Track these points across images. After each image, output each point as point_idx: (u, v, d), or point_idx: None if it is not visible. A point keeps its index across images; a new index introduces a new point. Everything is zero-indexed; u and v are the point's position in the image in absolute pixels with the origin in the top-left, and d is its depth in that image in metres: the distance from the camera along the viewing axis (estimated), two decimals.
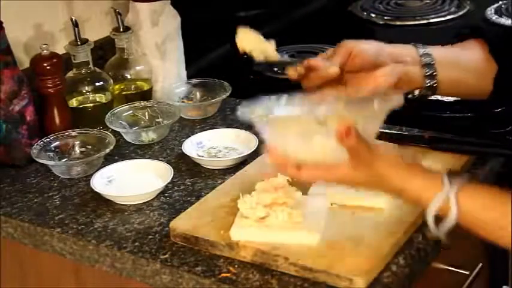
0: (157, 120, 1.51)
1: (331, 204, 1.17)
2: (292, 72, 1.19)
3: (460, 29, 1.29)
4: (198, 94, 1.61)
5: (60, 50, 1.53)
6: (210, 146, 1.42)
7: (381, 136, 1.34)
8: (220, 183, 1.29)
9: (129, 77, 1.58)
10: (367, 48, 1.19)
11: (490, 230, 0.97)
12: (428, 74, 1.21)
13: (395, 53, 1.20)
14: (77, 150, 1.43)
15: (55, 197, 1.31)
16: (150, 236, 1.18)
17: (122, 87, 1.59)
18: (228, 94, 1.56)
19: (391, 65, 1.18)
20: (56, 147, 1.41)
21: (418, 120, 1.50)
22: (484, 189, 1.00)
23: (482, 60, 1.23)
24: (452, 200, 0.97)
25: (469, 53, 1.24)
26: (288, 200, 1.10)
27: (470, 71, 1.23)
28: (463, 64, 1.23)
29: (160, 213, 1.24)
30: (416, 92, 1.23)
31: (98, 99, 1.53)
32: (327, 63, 1.18)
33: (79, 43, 1.50)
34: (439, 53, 1.22)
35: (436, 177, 1.00)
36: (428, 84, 1.22)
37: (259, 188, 1.14)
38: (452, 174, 1.00)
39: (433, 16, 2.08)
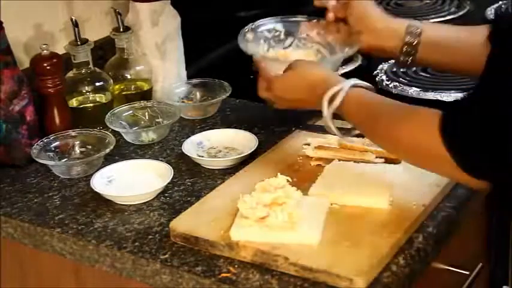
0: (157, 120, 1.51)
1: (331, 204, 1.17)
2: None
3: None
4: (198, 94, 1.61)
5: (60, 50, 1.53)
6: (210, 146, 1.42)
7: None
8: (220, 183, 1.29)
9: (129, 77, 1.59)
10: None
11: (367, 125, 1.12)
12: (405, 51, 1.31)
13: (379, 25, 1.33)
14: (77, 150, 1.43)
15: (55, 197, 1.31)
16: (150, 236, 1.18)
17: (122, 87, 1.59)
18: (228, 94, 1.56)
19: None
20: (56, 147, 1.41)
21: None
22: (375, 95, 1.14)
23: (481, 44, 1.22)
24: (344, 91, 1.13)
25: (471, 36, 1.26)
26: (288, 200, 1.10)
27: (461, 54, 1.26)
28: (456, 47, 1.28)
29: (160, 213, 1.24)
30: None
31: (98, 99, 1.53)
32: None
33: (79, 43, 1.50)
34: (431, 33, 1.30)
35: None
36: (403, 59, 1.32)
37: (259, 187, 1.14)
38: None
39: (433, 16, 2.08)
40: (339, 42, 1.41)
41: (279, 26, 1.49)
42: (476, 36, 1.24)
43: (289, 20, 1.51)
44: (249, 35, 1.45)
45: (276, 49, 1.46)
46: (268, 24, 1.49)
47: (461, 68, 1.29)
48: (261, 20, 1.49)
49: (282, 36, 1.48)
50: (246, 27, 1.46)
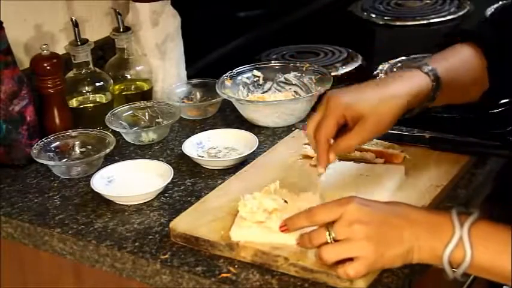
0: (157, 120, 1.51)
1: None
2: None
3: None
4: (198, 94, 1.61)
5: (60, 50, 1.53)
6: (210, 146, 1.42)
7: (381, 136, 1.34)
8: (220, 183, 1.29)
9: (129, 77, 1.58)
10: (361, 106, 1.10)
11: (504, 276, 0.95)
12: (435, 90, 1.15)
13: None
14: (77, 150, 1.43)
15: (55, 197, 1.31)
16: (150, 236, 1.18)
17: (122, 87, 1.59)
18: None
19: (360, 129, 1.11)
20: (56, 147, 1.41)
21: (418, 120, 1.50)
22: (495, 229, 0.97)
23: (475, 61, 1.21)
24: (466, 242, 0.95)
25: (463, 55, 1.21)
26: (290, 212, 1.08)
27: (467, 75, 1.20)
28: (461, 70, 1.20)
29: (160, 213, 1.24)
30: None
31: (98, 100, 1.53)
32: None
33: (79, 43, 1.50)
34: (440, 66, 1.16)
35: (443, 219, 0.98)
36: (430, 100, 1.16)
37: (263, 191, 1.14)
38: (460, 212, 0.98)
39: (433, 16, 2.08)
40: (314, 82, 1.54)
41: (258, 72, 1.59)
42: (465, 55, 1.21)
43: (266, 66, 1.61)
44: (228, 82, 1.54)
45: (255, 93, 1.57)
46: (247, 72, 1.59)
47: (465, 97, 1.24)
48: (239, 68, 1.58)
49: (261, 81, 1.58)
50: (224, 75, 1.55)
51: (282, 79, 1.59)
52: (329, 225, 0.99)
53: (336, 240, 0.99)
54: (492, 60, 1.21)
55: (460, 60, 1.20)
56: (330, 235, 0.99)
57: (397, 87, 1.11)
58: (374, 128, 1.10)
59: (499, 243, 0.95)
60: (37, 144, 1.39)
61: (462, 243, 0.95)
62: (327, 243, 1.00)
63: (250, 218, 1.10)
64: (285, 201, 1.13)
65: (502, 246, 0.95)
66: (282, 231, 1.05)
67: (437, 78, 1.14)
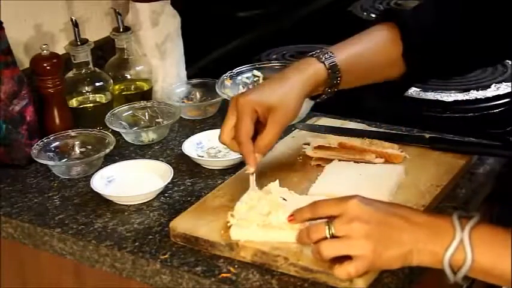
0: (157, 120, 1.51)
1: None
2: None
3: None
4: (198, 94, 1.61)
5: (60, 50, 1.53)
6: (209, 146, 1.42)
7: (381, 136, 1.35)
8: (220, 183, 1.29)
9: (129, 77, 1.58)
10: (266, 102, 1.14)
11: (505, 279, 0.95)
12: (332, 77, 1.18)
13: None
14: (77, 150, 1.43)
15: (55, 197, 1.31)
16: (150, 236, 1.18)
17: (122, 87, 1.59)
18: None
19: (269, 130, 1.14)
20: (56, 147, 1.41)
21: (418, 120, 1.50)
22: (496, 232, 0.97)
23: (389, 43, 1.22)
24: (467, 245, 0.95)
25: (374, 38, 1.23)
26: (289, 211, 1.09)
27: (375, 59, 1.22)
28: (367, 54, 1.21)
29: (160, 213, 1.24)
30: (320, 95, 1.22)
31: (98, 100, 1.53)
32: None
33: (79, 43, 1.50)
34: (343, 52, 1.19)
35: (443, 222, 0.98)
36: (332, 86, 1.20)
37: (262, 192, 1.14)
38: (461, 216, 0.98)
39: None
40: None
41: (257, 72, 1.58)
42: (379, 35, 1.23)
43: (266, 66, 1.60)
44: (228, 82, 1.54)
45: None
46: (247, 72, 1.58)
47: (379, 71, 1.25)
48: (238, 68, 1.57)
49: (261, 81, 1.57)
50: (224, 75, 1.54)
51: None
52: (329, 221, 0.99)
53: (334, 237, 0.99)
54: (408, 44, 1.21)
55: (371, 43, 1.22)
56: (329, 230, 0.99)
57: (295, 78, 1.16)
58: (284, 118, 1.14)
59: (500, 246, 0.95)
60: (37, 144, 1.39)
61: (463, 247, 0.95)
62: (325, 239, 1.00)
63: (247, 222, 1.10)
64: (284, 199, 1.13)
65: (502, 249, 0.95)
66: (290, 221, 1.06)
67: (333, 65, 1.17)
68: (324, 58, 1.17)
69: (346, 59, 1.19)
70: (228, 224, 1.11)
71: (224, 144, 1.17)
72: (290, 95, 1.15)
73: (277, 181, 1.17)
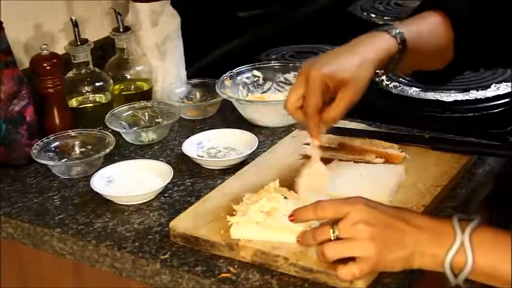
0: (157, 120, 1.51)
1: None
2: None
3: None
4: (198, 94, 1.61)
5: (60, 50, 1.53)
6: (209, 146, 1.42)
7: (381, 136, 1.35)
8: (220, 183, 1.29)
9: (129, 77, 1.58)
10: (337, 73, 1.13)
11: (506, 281, 0.95)
12: (401, 52, 1.17)
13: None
14: (77, 150, 1.43)
15: (55, 197, 1.31)
16: (150, 236, 1.18)
17: (121, 87, 1.59)
18: None
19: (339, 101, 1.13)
20: (56, 147, 1.41)
21: (418, 120, 1.51)
22: (496, 235, 0.97)
23: (441, 30, 1.21)
24: (468, 248, 0.95)
25: (429, 23, 1.21)
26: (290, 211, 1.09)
27: (431, 43, 1.21)
28: (425, 37, 1.20)
29: (160, 213, 1.24)
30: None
31: (97, 100, 1.53)
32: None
33: (79, 43, 1.50)
34: (407, 30, 1.18)
35: (444, 225, 0.98)
36: (397, 62, 1.18)
37: (263, 191, 1.14)
38: (462, 219, 0.98)
39: None
40: None
41: (257, 72, 1.59)
42: (432, 22, 1.21)
43: (266, 66, 1.61)
44: (228, 82, 1.54)
45: (255, 93, 1.58)
46: (247, 72, 1.59)
47: (429, 64, 1.25)
48: (238, 68, 1.58)
49: (261, 81, 1.59)
50: (224, 75, 1.55)
51: (282, 79, 1.59)
52: (333, 223, 1.00)
53: (338, 239, 0.99)
54: (459, 33, 1.21)
55: (427, 27, 1.21)
56: (333, 232, 0.99)
57: (367, 51, 1.14)
58: (355, 93, 1.12)
59: (500, 248, 0.96)
60: (37, 144, 1.39)
61: (463, 249, 0.95)
62: (329, 240, 1.00)
63: (248, 219, 1.10)
64: (285, 198, 1.13)
65: (503, 251, 0.95)
66: (291, 220, 1.05)
67: (404, 41, 1.16)
68: (394, 32, 1.16)
69: (413, 37, 1.17)
70: (229, 223, 1.11)
71: (288, 111, 1.15)
72: (363, 69, 1.12)
73: (277, 180, 1.17)
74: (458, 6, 1.21)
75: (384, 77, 1.69)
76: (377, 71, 1.17)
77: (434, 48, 1.21)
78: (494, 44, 1.21)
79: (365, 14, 2.16)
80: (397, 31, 1.16)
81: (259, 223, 1.09)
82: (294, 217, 1.05)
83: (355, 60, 1.12)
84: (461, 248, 0.95)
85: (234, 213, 1.13)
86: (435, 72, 1.25)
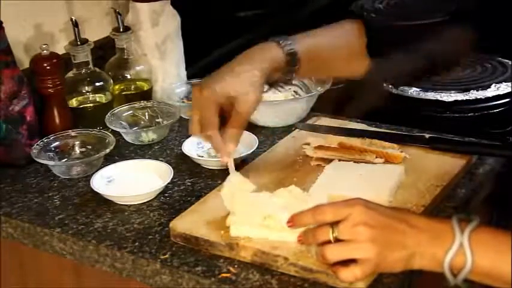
0: (157, 120, 1.51)
1: None
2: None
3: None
4: None
5: (60, 50, 1.53)
6: (209, 146, 1.42)
7: (381, 136, 1.35)
8: (220, 183, 1.28)
9: (129, 77, 1.58)
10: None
11: (505, 281, 0.95)
12: (290, 64, 1.19)
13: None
14: (77, 150, 1.43)
15: (55, 197, 1.31)
16: (150, 236, 1.18)
17: (122, 87, 1.59)
18: None
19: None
20: (56, 147, 1.41)
21: (418, 120, 1.51)
22: (495, 235, 0.98)
23: (353, 38, 1.22)
24: (467, 248, 0.95)
25: (341, 33, 1.23)
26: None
27: (337, 52, 1.23)
28: (328, 47, 1.22)
29: (160, 213, 1.24)
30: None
31: (98, 99, 1.53)
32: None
33: (79, 43, 1.50)
34: (305, 40, 1.20)
35: (444, 226, 0.98)
36: (288, 72, 1.21)
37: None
38: (461, 219, 0.98)
39: (432, 16, 2.08)
40: (313, 82, 1.51)
41: None
42: (345, 30, 1.24)
43: None
44: None
45: None
46: None
47: (341, 72, 1.27)
48: None
49: None
50: None
51: None
52: (333, 224, 1.00)
53: (338, 240, 0.99)
54: (371, 41, 1.22)
55: (334, 35, 1.23)
56: (333, 233, 0.99)
57: (254, 65, 1.17)
58: (248, 107, 1.16)
59: (499, 248, 0.96)
60: (37, 144, 1.39)
61: (463, 250, 0.95)
62: (329, 242, 1.00)
63: (247, 219, 1.10)
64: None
65: (502, 252, 0.95)
66: (289, 226, 1.05)
67: (292, 52, 1.18)
68: (283, 44, 1.18)
69: (307, 48, 1.19)
70: (227, 224, 1.11)
71: (196, 136, 1.19)
72: (251, 82, 1.16)
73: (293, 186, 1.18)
74: (376, 20, 1.23)
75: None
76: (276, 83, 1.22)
77: (343, 56, 1.23)
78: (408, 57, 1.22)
79: (365, 14, 2.16)
80: (288, 42, 1.19)
81: (259, 223, 1.09)
82: (292, 223, 1.05)
83: (243, 76, 1.16)
84: (460, 248, 0.95)
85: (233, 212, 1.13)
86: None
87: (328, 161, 1.30)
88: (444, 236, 0.97)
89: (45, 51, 1.43)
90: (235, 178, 1.16)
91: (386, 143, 1.32)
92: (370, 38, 1.21)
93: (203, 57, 1.85)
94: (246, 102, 1.15)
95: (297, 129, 1.43)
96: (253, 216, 1.10)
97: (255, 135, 1.41)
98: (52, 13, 1.61)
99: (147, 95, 1.59)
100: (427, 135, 1.36)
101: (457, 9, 1.21)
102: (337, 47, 1.22)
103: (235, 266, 1.09)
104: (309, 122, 1.45)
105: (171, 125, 1.50)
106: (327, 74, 1.27)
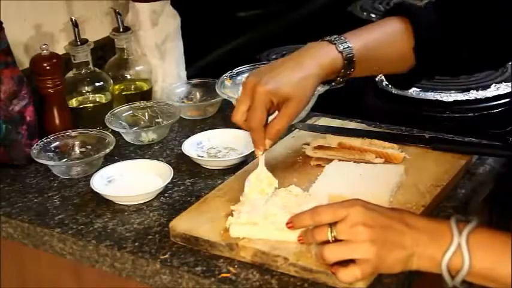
0: (157, 120, 1.51)
1: None
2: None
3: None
4: (198, 94, 1.61)
5: (60, 50, 1.53)
6: (209, 146, 1.42)
7: (381, 136, 1.35)
8: (220, 183, 1.29)
9: (129, 77, 1.58)
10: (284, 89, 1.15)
11: (503, 283, 0.95)
12: (347, 67, 1.18)
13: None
14: (77, 150, 1.43)
15: (55, 197, 1.31)
16: (150, 236, 1.18)
17: (121, 87, 1.59)
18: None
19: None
20: (55, 147, 1.41)
21: (418, 120, 1.51)
22: (494, 236, 0.97)
23: (400, 36, 1.22)
24: (464, 249, 0.95)
25: (387, 31, 1.23)
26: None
27: (388, 51, 1.22)
28: (380, 46, 1.22)
29: (160, 213, 1.24)
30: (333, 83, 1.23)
31: (97, 100, 1.53)
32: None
33: (79, 43, 1.50)
34: (358, 43, 1.19)
35: (442, 227, 0.98)
36: (345, 76, 1.20)
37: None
38: (459, 220, 0.98)
39: None
40: None
41: None
42: (392, 28, 1.23)
43: None
44: (228, 82, 1.54)
45: None
46: (247, 72, 1.57)
47: (390, 63, 1.25)
48: (238, 68, 1.57)
49: None
50: (224, 75, 1.55)
51: None
52: (332, 224, 0.99)
53: (336, 240, 0.99)
54: (419, 41, 1.21)
55: (384, 34, 1.22)
56: (331, 233, 0.99)
57: (311, 66, 1.16)
58: (298, 108, 1.15)
59: (498, 250, 0.96)
60: (37, 144, 1.39)
61: (460, 251, 0.95)
62: (328, 242, 1.00)
63: (247, 219, 1.10)
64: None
65: (500, 253, 0.95)
66: (289, 227, 1.05)
67: (350, 57, 1.17)
68: (342, 48, 1.17)
69: (361, 50, 1.19)
70: (227, 224, 1.11)
71: (236, 123, 1.18)
72: (306, 84, 1.15)
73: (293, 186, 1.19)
74: (423, 14, 1.22)
75: (383, 77, 1.69)
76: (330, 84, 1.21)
77: (393, 56, 1.22)
78: (456, 55, 1.22)
79: (365, 14, 2.16)
80: (346, 46, 1.17)
81: (259, 223, 1.09)
82: (292, 224, 1.05)
83: (298, 76, 1.15)
84: (458, 249, 0.95)
85: (233, 213, 1.13)
86: (399, 76, 1.26)
87: (328, 161, 1.30)
88: (442, 237, 0.97)
89: (45, 51, 1.43)
90: (262, 172, 1.18)
91: (386, 143, 1.32)
92: (418, 38, 1.21)
93: (203, 57, 1.85)
94: (297, 105, 1.14)
95: (297, 129, 1.43)
96: (253, 216, 1.10)
97: None
98: (52, 13, 1.61)
99: (147, 95, 1.59)
100: (427, 135, 1.36)
101: None
102: (388, 45, 1.22)
103: (235, 266, 1.09)
104: (309, 122, 1.45)
105: (171, 125, 1.50)
106: (374, 73, 1.27)
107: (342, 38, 1.18)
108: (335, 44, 1.18)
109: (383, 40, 1.22)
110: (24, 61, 1.52)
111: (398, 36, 1.22)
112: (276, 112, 1.16)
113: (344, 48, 1.17)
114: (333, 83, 1.22)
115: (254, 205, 1.12)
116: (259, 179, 1.18)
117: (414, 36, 1.21)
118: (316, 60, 1.16)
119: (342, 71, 1.18)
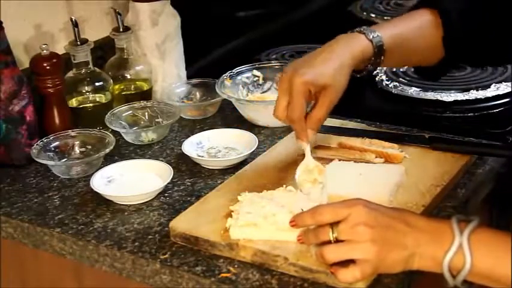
0: (157, 120, 1.51)
1: None
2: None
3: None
4: (198, 94, 1.61)
5: (60, 50, 1.53)
6: (209, 146, 1.42)
7: (381, 136, 1.35)
8: (220, 183, 1.29)
9: (129, 77, 1.58)
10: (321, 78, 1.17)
11: (504, 283, 0.95)
12: (377, 56, 1.21)
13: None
14: (77, 150, 1.43)
15: (55, 197, 1.31)
16: (150, 236, 1.18)
17: (121, 87, 1.59)
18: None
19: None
20: (55, 147, 1.41)
21: (418, 120, 1.50)
22: (495, 236, 0.97)
23: (429, 28, 1.24)
24: (466, 249, 0.95)
25: (417, 22, 1.24)
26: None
27: (417, 42, 1.24)
28: (410, 37, 1.24)
29: (160, 213, 1.24)
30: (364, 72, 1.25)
31: (97, 99, 1.53)
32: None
33: (79, 43, 1.50)
34: (388, 33, 1.22)
35: (443, 226, 0.98)
36: (374, 64, 1.22)
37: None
38: (460, 220, 0.98)
39: None
40: None
41: (257, 72, 1.60)
42: (421, 21, 1.25)
43: (266, 66, 1.61)
44: (228, 82, 1.55)
45: (255, 93, 1.58)
46: (247, 72, 1.59)
47: (419, 55, 1.28)
48: (238, 68, 1.59)
49: (261, 81, 1.59)
50: (224, 75, 1.56)
51: None
52: (333, 224, 0.99)
53: (338, 240, 0.99)
54: (449, 33, 1.23)
55: (412, 26, 1.24)
56: (332, 233, 0.99)
57: (344, 55, 1.19)
58: (336, 96, 1.17)
59: (499, 250, 0.96)
60: (37, 144, 1.39)
61: (462, 250, 0.95)
62: (329, 242, 1.00)
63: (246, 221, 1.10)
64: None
65: (501, 253, 0.95)
66: (292, 226, 1.05)
67: (380, 45, 1.20)
68: (371, 36, 1.19)
69: (390, 39, 1.21)
70: (227, 224, 1.11)
71: (278, 119, 1.19)
72: (341, 72, 1.17)
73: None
74: (453, 6, 1.22)
75: (383, 77, 1.69)
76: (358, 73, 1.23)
77: (422, 47, 1.24)
78: (486, 45, 1.23)
79: (365, 13, 2.16)
80: (375, 34, 1.20)
81: (259, 224, 1.09)
82: (294, 223, 1.06)
83: (334, 65, 1.17)
84: (459, 249, 0.95)
85: (232, 213, 1.13)
86: (428, 68, 1.28)
87: (328, 160, 1.30)
88: (444, 237, 0.97)
89: (45, 51, 1.43)
90: (310, 162, 1.20)
91: (386, 143, 1.32)
92: (447, 29, 1.23)
93: (203, 57, 1.85)
94: (335, 92, 1.17)
95: None
96: (253, 216, 1.10)
97: (255, 135, 1.41)
98: (52, 13, 1.61)
99: (147, 95, 1.59)
100: (427, 135, 1.36)
101: None
102: (417, 36, 1.24)
103: (235, 266, 1.09)
104: None
105: (171, 125, 1.50)
106: (404, 64, 1.31)
107: (371, 28, 1.21)
108: (365, 33, 1.20)
109: (412, 31, 1.24)
110: (24, 61, 1.52)
111: (427, 27, 1.24)
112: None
113: (374, 37, 1.20)
114: (364, 72, 1.24)
115: (254, 205, 1.12)
116: (309, 169, 1.19)
117: (443, 27, 1.23)
118: (348, 49, 1.19)
119: (372, 59, 1.20)
